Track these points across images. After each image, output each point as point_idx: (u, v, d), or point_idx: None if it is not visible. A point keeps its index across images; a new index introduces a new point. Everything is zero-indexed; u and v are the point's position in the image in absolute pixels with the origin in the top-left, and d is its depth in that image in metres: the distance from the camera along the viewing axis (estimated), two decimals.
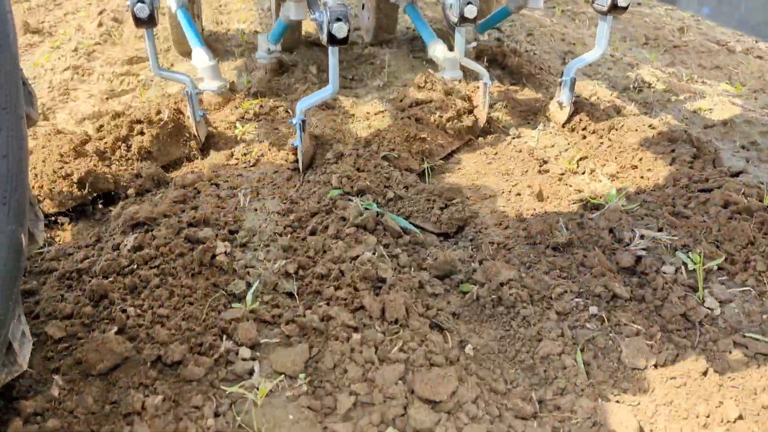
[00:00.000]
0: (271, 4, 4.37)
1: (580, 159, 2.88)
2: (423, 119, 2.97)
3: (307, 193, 2.46)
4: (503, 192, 2.64)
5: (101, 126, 2.88)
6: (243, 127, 3.12)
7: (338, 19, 2.21)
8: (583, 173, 2.79)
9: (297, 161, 2.68)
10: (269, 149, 2.91)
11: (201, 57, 3.30)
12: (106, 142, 2.67)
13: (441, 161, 2.90)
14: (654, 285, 1.96)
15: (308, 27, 4.56)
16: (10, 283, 1.26)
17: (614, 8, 2.76)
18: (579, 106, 3.17)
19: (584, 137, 3.03)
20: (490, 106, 3.20)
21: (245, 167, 2.77)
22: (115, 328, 1.66)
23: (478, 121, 3.12)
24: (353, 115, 3.38)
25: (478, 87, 3.12)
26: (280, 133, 3.11)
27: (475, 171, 2.83)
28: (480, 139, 3.09)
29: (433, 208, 2.41)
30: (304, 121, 2.53)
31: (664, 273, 2.02)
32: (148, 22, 2.59)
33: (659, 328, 1.83)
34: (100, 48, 4.56)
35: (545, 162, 2.87)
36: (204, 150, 2.95)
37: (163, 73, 2.83)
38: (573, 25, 5.38)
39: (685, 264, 2.03)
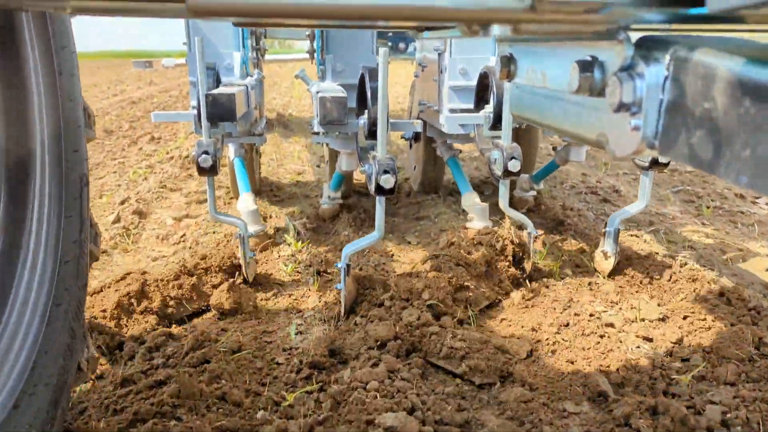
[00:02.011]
0: (325, 156, 4.69)
1: (626, 308, 2.79)
2: (466, 267, 2.99)
3: None
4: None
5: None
6: (288, 268, 3.22)
7: (386, 172, 2.34)
8: (632, 324, 2.69)
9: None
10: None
11: (245, 202, 3.62)
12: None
13: (485, 309, 2.87)
14: None
15: (359, 176, 4.81)
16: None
17: (655, 164, 2.84)
18: (625, 256, 3.15)
19: (629, 287, 2.96)
20: (534, 255, 3.21)
21: None
22: None
23: (523, 270, 3.12)
24: (396, 260, 3.43)
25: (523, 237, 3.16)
26: (327, 278, 3.18)
27: (519, 325, 2.77)
28: (523, 288, 3.07)
29: None
30: (348, 266, 2.59)
31: None
32: (210, 171, 2.79)
33: None
34: (103, 259, 3.35)
35: (593, 315, 2.79)
36: (252, 287, 3.04)
37: (220, 217, 3.00)
38: (736, 233, 3.99)
39: None
